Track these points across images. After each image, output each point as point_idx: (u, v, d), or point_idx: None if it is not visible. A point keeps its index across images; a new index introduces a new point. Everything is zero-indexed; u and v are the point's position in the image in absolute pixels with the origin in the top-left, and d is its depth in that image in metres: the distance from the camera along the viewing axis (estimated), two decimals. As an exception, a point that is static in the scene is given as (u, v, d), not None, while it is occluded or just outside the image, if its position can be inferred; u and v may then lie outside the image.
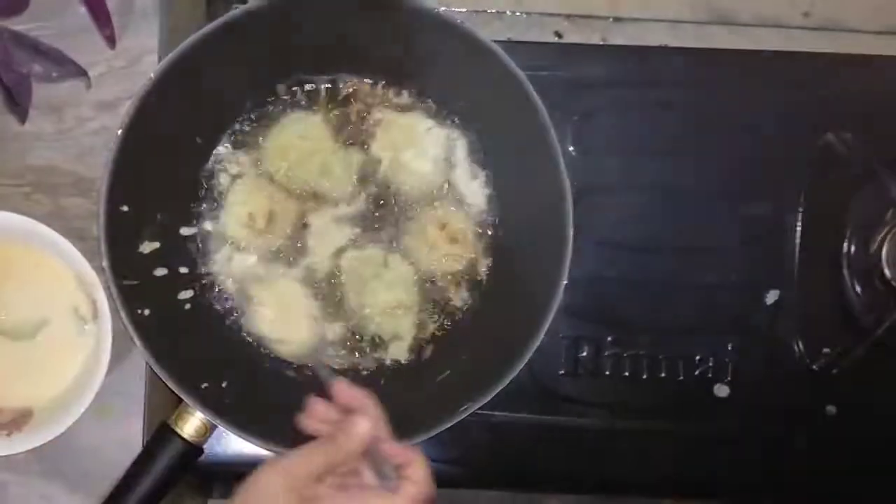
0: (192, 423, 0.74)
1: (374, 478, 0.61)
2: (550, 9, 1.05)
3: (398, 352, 0.82)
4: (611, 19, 1.06)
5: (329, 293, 0.83)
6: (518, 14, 1.05)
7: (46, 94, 0.79)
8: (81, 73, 0.76)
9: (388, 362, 0.83)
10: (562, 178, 0.74)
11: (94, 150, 0.80)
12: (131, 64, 0.81)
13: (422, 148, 0.83)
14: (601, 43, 1.03)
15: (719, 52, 0.94)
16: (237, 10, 0.74)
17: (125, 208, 0.74)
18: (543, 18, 1.06)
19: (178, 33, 0.82)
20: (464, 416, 0.73)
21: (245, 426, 0.73)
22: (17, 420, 0.76)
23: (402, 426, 0.73)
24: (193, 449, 0.74)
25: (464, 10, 1.06)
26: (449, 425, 0.73)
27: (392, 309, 0.82)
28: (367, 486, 0.61)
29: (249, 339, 0.82)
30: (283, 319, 0.82)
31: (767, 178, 0.89)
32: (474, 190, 0.83)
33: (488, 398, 0.74)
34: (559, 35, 1.05)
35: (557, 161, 0.74)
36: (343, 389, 0.63)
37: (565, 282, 0.74)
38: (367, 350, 0.82)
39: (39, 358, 0.77)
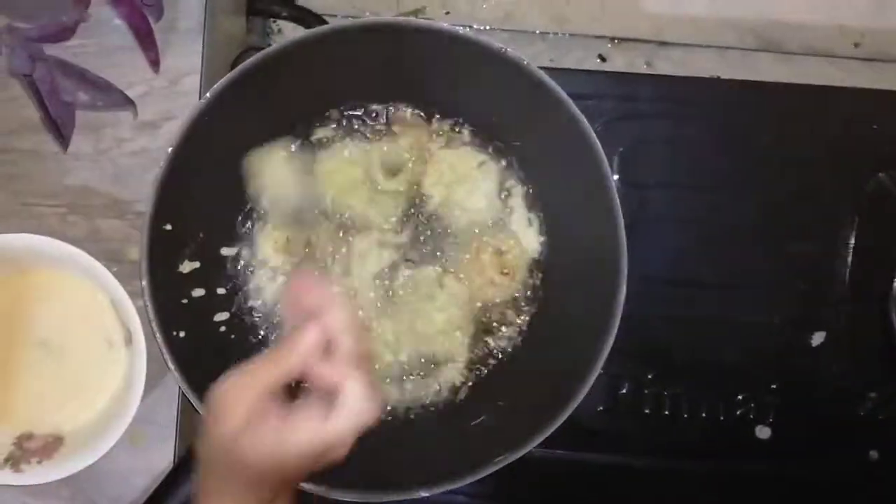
0: (219, 448, 0.72)
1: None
2: (594, 31, 1.03)
3: (452, 374, 0.81)
4: (655, 43, 1.04)
5: (370, 317, 0.80)
6: (561, 35, 1.03)
7: (86, 114, 0.77)
8: (128, 102, 0.74)
9: (434, 392, 0.81)
10: (619, 233, 0.71)
11: (131, 172, 0.79)
12: (172, 84, 0.79)
13: (475, 184, 0.81)
14: (646, 69, 1.01)
15: (770, 84, 0.92)
16: (291, 40, 0.72)
17: (168, 227, 0.72)
18: (587, 40, 1.04)
19: (218, 53, 0.80)
20: (498, 467, 0.71)
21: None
22: (48, 447, 0.75)
23: (432, 472, 0.71)
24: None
25: (507, 28, 1.04)
26: (481, 476, 0.71)
27: (446, 330, 0.80)
28: (304, 405, 0.55)
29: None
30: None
31: (816, 216, 0.87)
32: (530, 237, 0.81)
33: (527, 450, 0.71)
34: (603, 58, 1.03)
35: (616, 211, 0.71)
36: (309, 284, 0.57)
37: (612, 340, 0.71)
38: (412, 376, 0.80)
39: (70, 383, 0.76)
